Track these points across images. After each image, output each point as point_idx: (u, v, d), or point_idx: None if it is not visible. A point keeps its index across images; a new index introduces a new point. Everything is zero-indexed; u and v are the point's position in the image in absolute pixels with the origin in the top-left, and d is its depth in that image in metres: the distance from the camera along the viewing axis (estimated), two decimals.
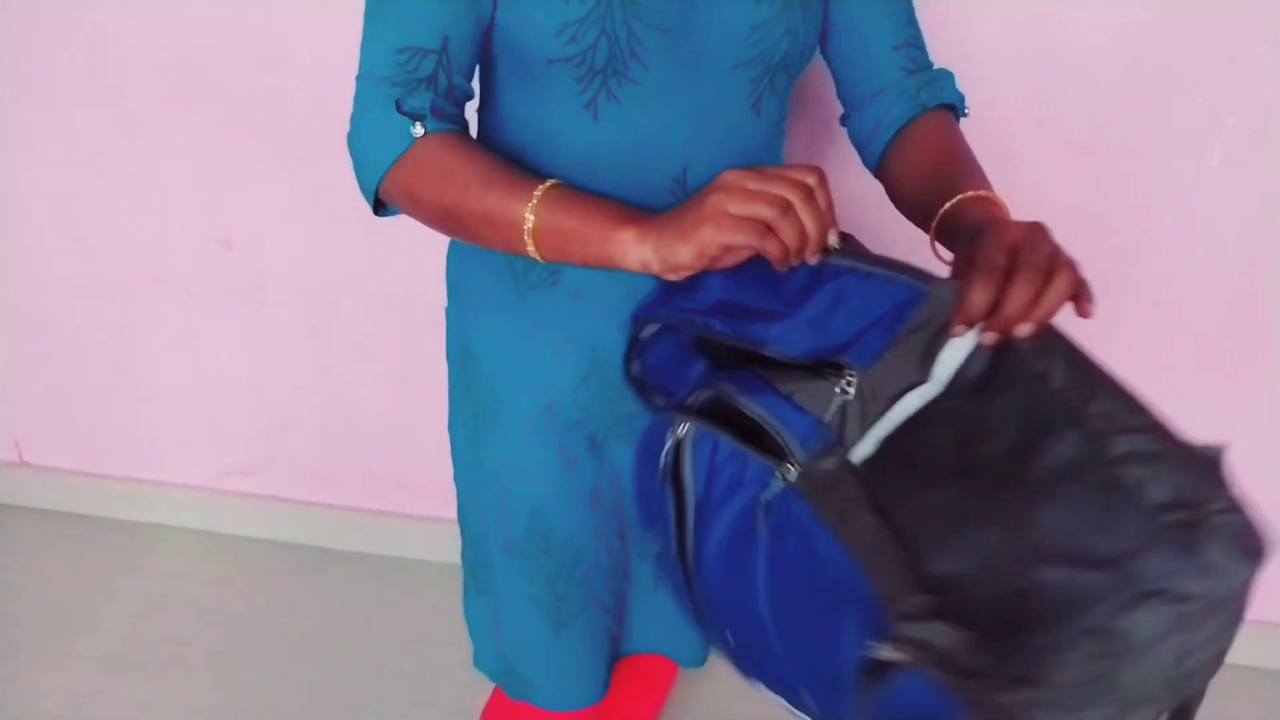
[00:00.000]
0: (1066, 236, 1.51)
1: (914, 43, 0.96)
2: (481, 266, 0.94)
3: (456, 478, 1.09)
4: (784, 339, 0.72)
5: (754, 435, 0.72)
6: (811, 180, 0.69)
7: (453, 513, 1.15)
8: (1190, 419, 1.61)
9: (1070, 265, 0.67)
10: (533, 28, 0.79)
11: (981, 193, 0.82)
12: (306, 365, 1.75)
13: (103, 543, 1.89)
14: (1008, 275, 0.65)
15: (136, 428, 1.87)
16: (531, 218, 0.76)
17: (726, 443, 0.73)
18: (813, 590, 0.68)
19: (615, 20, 0.78)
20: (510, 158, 0.85)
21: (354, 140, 0.83)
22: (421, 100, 0.79)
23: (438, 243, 1.00)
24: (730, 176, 0.70)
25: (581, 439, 0.97)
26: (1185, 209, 1.46)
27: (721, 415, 0.74)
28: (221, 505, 1.91)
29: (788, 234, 0.69)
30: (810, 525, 0.67)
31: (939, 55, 1.04)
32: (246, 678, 1.62)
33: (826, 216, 0.70)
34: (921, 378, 0.67)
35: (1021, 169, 1.45)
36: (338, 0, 0.80)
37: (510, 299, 0.92)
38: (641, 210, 0.77)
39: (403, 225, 1.56)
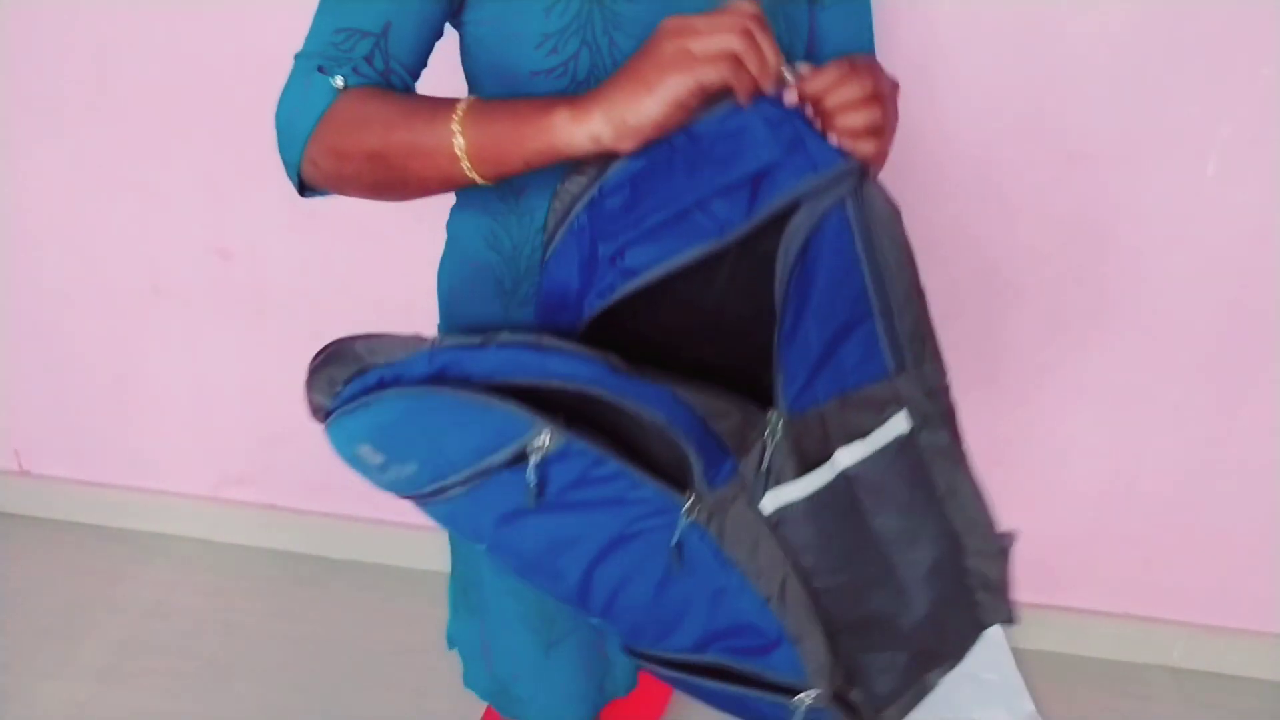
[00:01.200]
0: (1063, 244, 1.53)
1: (869, 54, 0.98)
2: (471, 282, 0.94)
3: None
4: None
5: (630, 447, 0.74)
6: (750, 7, 0.67)
7: None
8: (1189, 428, 1.63)
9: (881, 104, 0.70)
10: (514, 39, 0.79)
11: None
12: (303, 373, 1.74)
13: (101, 552, 1.89)
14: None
15: (135, 437, 1.88)
16: (460, 135, 0.72)
17: (613, 463, 0.74)
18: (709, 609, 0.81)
19: (595, 30, 0.78)
20: None
21: (279, 113, 0.81)
22: (346, 68, 0.77)
23: (434, 251, 1.00)
24: (674, 21, 0.67)
25: None
26: (1181, 217, 1.46)
27: (589, 416, 0.73)
28: (219, 514, 1.91)
29: (755, 62, 0.66)
30: (719, 563, 0.79)
31: (937, 66, 1.05)
32: (244, 687, 1.62)
33: (774, 43, 0.68)
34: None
35: (1018, 177, 1.46)
36: None
37: (498, 314, 0.92)
38: (572, 95, 0.73)
39: (401, 235, 1.57)
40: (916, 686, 0.88)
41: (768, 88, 0.69)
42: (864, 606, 0.83)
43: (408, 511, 1.86)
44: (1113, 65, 1.38)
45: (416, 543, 1.86)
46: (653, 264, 0.73)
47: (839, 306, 0.75)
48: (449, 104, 0.74)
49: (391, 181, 0.77)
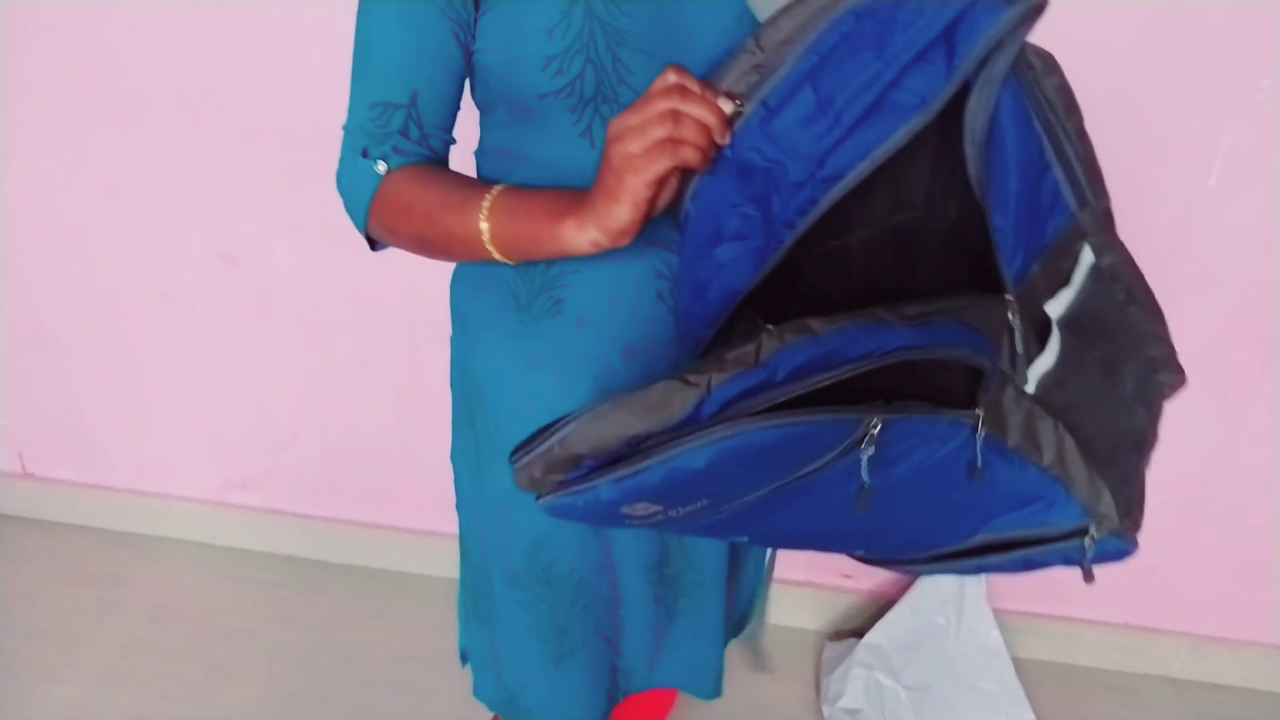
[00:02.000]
0: None
1: None
2: (485, 296, 0.94)
3: (459, 506, 1.09)
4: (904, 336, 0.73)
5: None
6: (672, 79, 0.70)
7: (453, 527, 1.15)
8: (1190, 438, 1.63)
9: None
10: (520, 64, 0.80)
11: None
12: (308, 380, 1.76)
13: (103, 555, 1.89)
14: None
15: (139, 440, 1.88)
16: (487, 228, 0.79)
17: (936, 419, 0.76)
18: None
19: (599, 49, 0.79)
20: None
21: (340, 186, 0.88)
22: (386, 146, 0.83)
23: (439, 262, 1.01)
24: (613, 126, 0.71)
25: None
26: (1183, 228, 1.47)
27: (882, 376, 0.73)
28: (222, 518, 1.92)
29: (691, 133, 0.70)
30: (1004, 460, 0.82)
31: None
32: (246, 691, 1.63)
33: (706, 97, 0.70)
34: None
35: None
36: (341, 21, 0.83)
37: (513, 328, 0.92)
38: (575, 193, 0.77)
39: None
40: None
41: (720, 141, 0.72)
42: (1113, 430, 0.87)
43: (411, 516, 1.89)
44: (1114, 77, 1.39)
45: (420, 548, 1.87)
46: (856, 161, 0.69)
47: (1028, 173, 0.76)
48: (477, 197, 0.80)
49: (436, 255, 0.86)
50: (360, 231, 0.89)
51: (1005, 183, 0.75)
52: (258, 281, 1.68)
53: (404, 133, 0.83)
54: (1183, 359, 1.54)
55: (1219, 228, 1.46)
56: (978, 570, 0.92)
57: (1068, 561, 0.92)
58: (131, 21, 1.51)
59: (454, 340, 1.02)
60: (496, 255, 0.80)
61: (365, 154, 0.83)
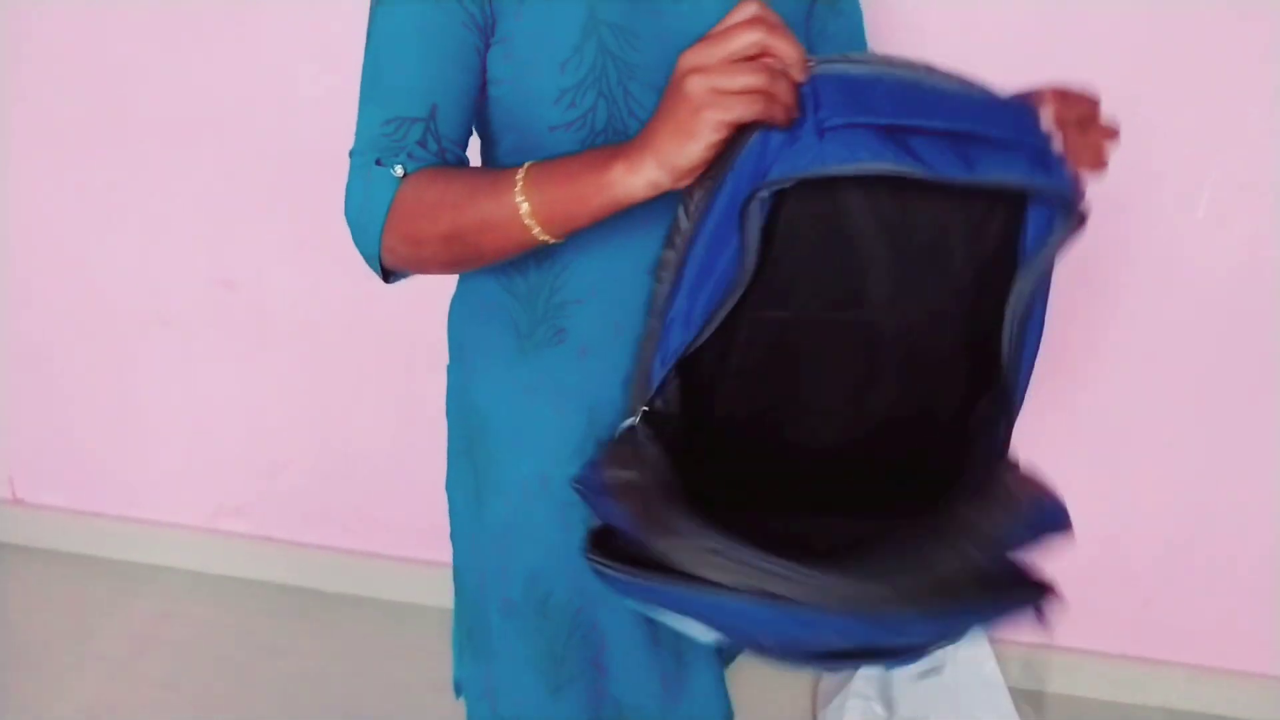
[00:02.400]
0: (1057, 285, 1.54)
1: None
2: (485, 324, 0.94)
3: (454, 537, 1.08)
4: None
5: None
6: (752, 10, 0.66)
7: (447, 556, 1.14)
8: (1184, 466, 1.63)
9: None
10: (532, 97, 0.81)
11: None
12: (303, 405, 1.75)
13: (92, 583, 1.87)
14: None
15: (132, 466, 1.87)
16: (525, 203, 0.74)
17: None
18: None
19: (611, 82, 0.80)
20: None
21: (348, 212, 0.83)
22: (401, 155, 0.80)
23: (438, 285, 1.01)
24: (693, 57, 0.67)
25: (577, 517, 0.94)
26: (1173, 259, 1.49)
27: None
28: (213, 545, 1.90)
29: (784, 90, 0.66)
30: None
31: None
32: None
33: (791, 34, 0.67)
34: None
35: None
36: (342, 44, 0.84)
37: (514, 357, 0.92)
38: (612, 145, 0.74)
39: None
40: None
41: (799, 78, 0.68)
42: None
43: (405, 545, 1.87)
44: (1106, 103, 1.41)
45: (413, 577, 1.85)
46: (855, 157, 0.66)
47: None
48: (508, 175, 0.76)
49: (470, 257, 0.80)
50: (373, 256, 0.84)
51: (1028, 358, 0.78)
52: (255, 306, 1.69)
53: (421, 143, 0.80)
54: (1174, 389, 1.56)
55: (1208, 259, 1.48)
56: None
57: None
58: (134, 47, 1.53)
59: (451, 369, 1.01)
60: (537, 231, 0.75)
61: (379, 164, 0.79)
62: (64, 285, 1.73)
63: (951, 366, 0.82)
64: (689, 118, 0.67)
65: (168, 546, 1.91)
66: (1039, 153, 0.70)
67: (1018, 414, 0.82)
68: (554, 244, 0.77)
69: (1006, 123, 0.70)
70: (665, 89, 0.70)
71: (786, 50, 0.66)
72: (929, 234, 0.76)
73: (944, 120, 0.68)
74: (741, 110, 0.66)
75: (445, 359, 1.02)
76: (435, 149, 0.81)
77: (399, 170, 0.79)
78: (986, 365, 0.79)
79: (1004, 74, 1.41)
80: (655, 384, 0.77)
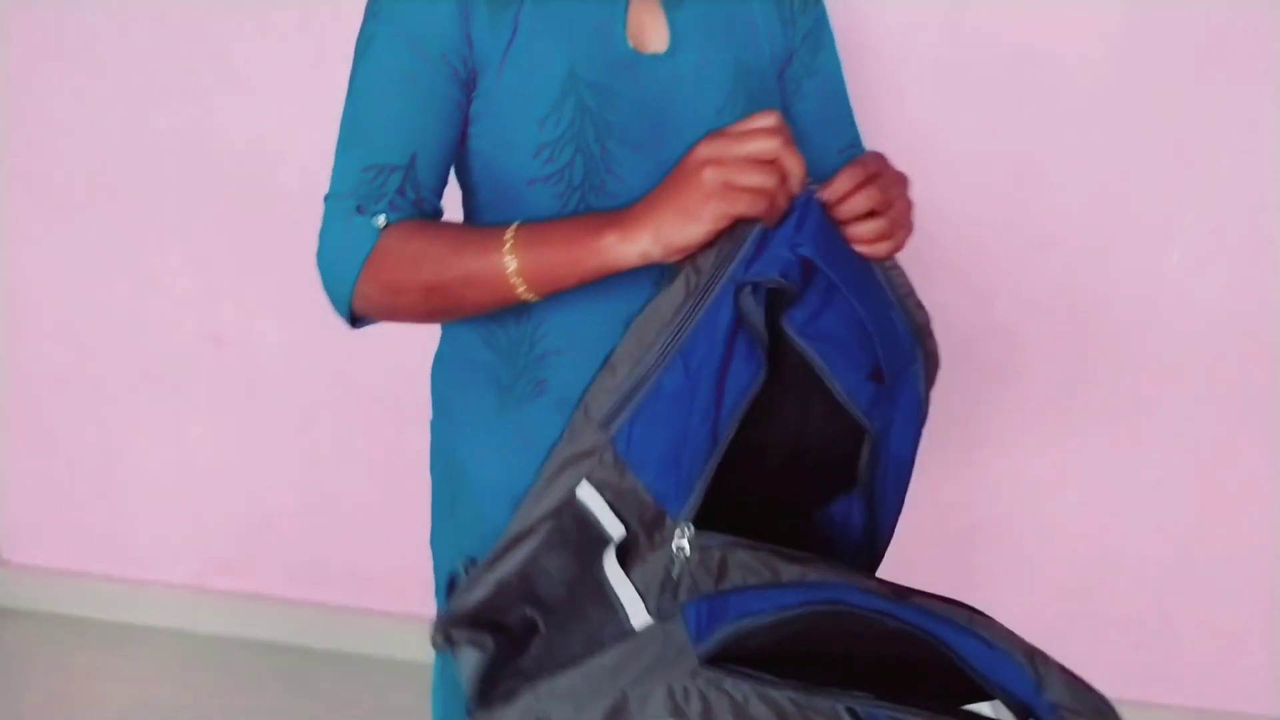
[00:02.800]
0: (1038, 329, 1.57)
1: (855, 143, 1.03)
2: (467, 380, 0.95)
3: (438, 592, 1.08)
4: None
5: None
6: (773, 121, 0.71)
7: (434, 610, 1.14)
8: (1171, 507, 1.64)
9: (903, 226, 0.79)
10: (511, 150, 0.83)
11: None
12: (292, 460, 1.75)
13: (80, 645, 1.85)
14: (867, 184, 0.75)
15: (119, 524, 1.86)
16: (514, 261, 0.76)
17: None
18: None
19: (589, 139, 0.83)
20: None
21: (321, 256, 0.85)
22: (383, 203, 0.81)
23: (425, 339, 1.02)
24: (711, 149, 0.71)
25: None
26: (1150, 303, 1.52)
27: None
28: (202, 604, 1.88)
29: (784, 198, 0.71)
30: None
31: (914, 159, 1.10)
32: None
33: (800, 167, 0.71)
34: None
35: (994, 264, 1.51)
36: (331, 102, 0.87)
37: (495, 412, 0.93)
38: (602, 213, 0.78)
39: (394, 324, 1.60)
40: None
41: (796, 190, 0.73)
42: None
43: (395, 600, 1.86)
44: (1081, 158, 1.45)
45: (403, 633, 1.84)
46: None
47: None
48: (498, 233, 0.78)
49: (447, 308, 0.82)
50: (343, 300, 0.85)
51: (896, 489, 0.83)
52: (245, 362, 1.69)
53: (401, 192, 0.82)
54: (1157, 431, 1.58)
55: (1185, 303, 1.51)
56: None
57: None
58: (126, 106, 1.55)
59: (434, 424, 1.02)
60: (522, 289, 0.77)
61: (359, 210, 0.81)
62: (53, 344, 1.73)
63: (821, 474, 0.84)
64: (698, 203, 0.71)
65: (156, 606, 1.89)
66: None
67: (887, 534, 0.84)
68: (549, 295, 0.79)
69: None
70: (673, 170, 0.74)
71: (795, 165, 0.71)
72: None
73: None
74: (746, 207, 0.70)
75: (431, 413, 1.03)
76: (414, 198, 0.83)
77: (381, 220, 0.81)
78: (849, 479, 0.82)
79: (979, 124, 1.46)
80: (695, 494, 0.74)
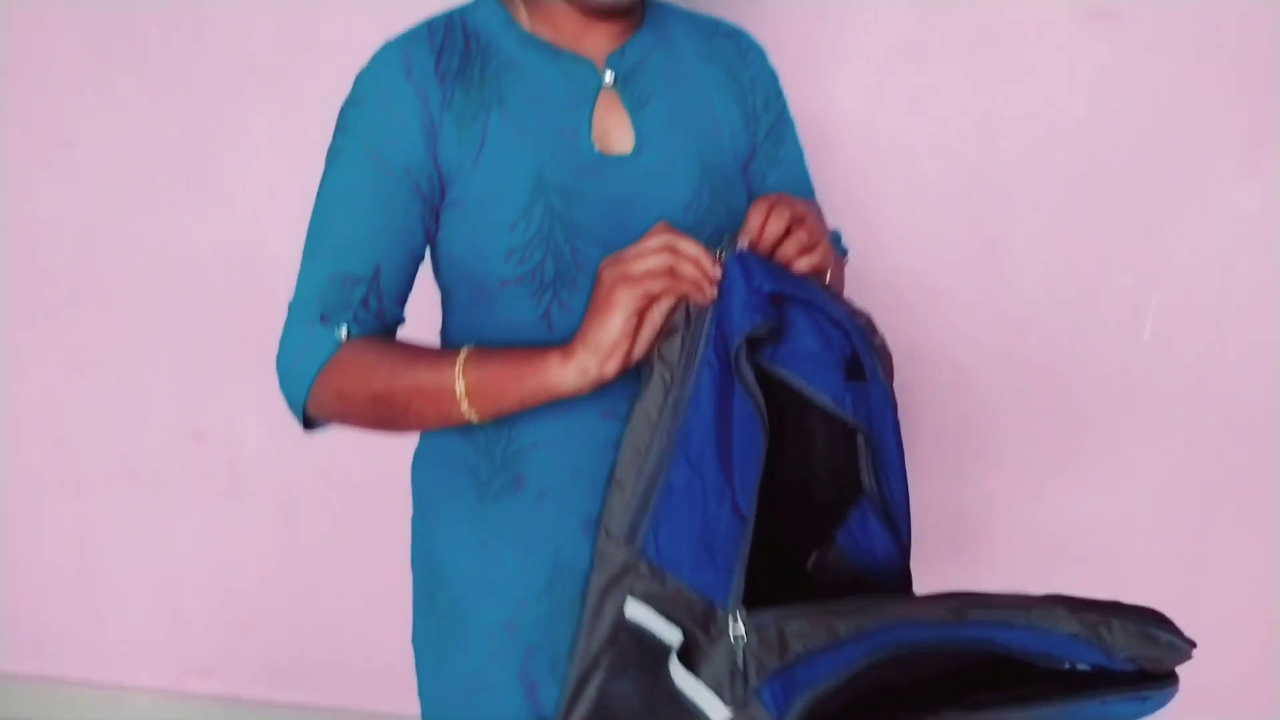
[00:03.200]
0: (1018, 410, 1.59)
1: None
2: (445, 475, 0.96)
3: (420, 692, 1.06)
4: None
5: None
6: (665, 234, 0.75)
7: (417, 708, 1.12)
8: (1153, 586, 1.63)
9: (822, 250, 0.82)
10: (483, 254, 0.86)
11: None
12: (274, 558, 1.73)
13: None
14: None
15: (96, 627, 1.82)
16: (461, 380, 0.80)
17: None
18: None
19: (558, 240, 0.86)
20: None
21: (281, 358, 0.88)
22: (346, 316, 0.85)
23: (408, 437, 1.03)
24: (608, 258, 0.76)
25: (544, 663, 0.94)
26: (1125, 379, 1.54)
27: None
28: (180, 710, 1.83)
29: (688, 268, 0.75)
30: None
31: (890, 245, 1.15)
32: None
33: (696, 247, 0.75)
34: None
35: (970, 347, 1.53)
36: (311, 202, 0.91)
37: (474, 506, 0.93)
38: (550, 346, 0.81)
39: None
40: None
41: (709, 290, 0.76)
42: None
43: (380, 698, 1.82)
44: (1049, 240, 1.49)
45: None
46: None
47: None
48: (449, 355, 0.82)
49: (393, 418, 0.85)
50: (298, 404, 0.87)
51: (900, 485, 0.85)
52: (226, 458, 1.69)
53: (364, 304, 0.85)
54: (1141, 509, 1.59)
55: (1158, 378, 1.53)
56: None
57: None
58: (111, 204, 1.58)
59: (415, 521, 1.02)
60: (465, 407, 0.80)
61: (323, 319, 0.84)
62: (31, 442, 1.72)
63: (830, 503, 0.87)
64: (604, 299, 0.75)
65: (133, 712, 1.84)
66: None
67: (906, 534, 0.86)
68: (489, 419, 0.82)
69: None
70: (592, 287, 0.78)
71: (689, 248, 0.75)
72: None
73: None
74: (649, 284, 0.74)
75: (412, 509, 1.03)
76: (376, 309, 0.86)
77: (343, 333, 0.85)
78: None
79: (948, 207, 1.50)
80: (736, 577, 0.75)
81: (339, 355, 0.84)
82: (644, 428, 0.79)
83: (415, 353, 0.84)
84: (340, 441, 1.62)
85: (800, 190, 1.04)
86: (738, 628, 0.73)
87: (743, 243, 0.78)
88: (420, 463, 1.01)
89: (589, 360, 0.76)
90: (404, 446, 1.05)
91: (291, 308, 0.87)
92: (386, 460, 1.59)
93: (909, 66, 1.43)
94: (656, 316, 0.77)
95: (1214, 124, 1.43)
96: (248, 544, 1.73)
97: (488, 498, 0.92)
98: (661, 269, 0.74)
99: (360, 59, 0.88)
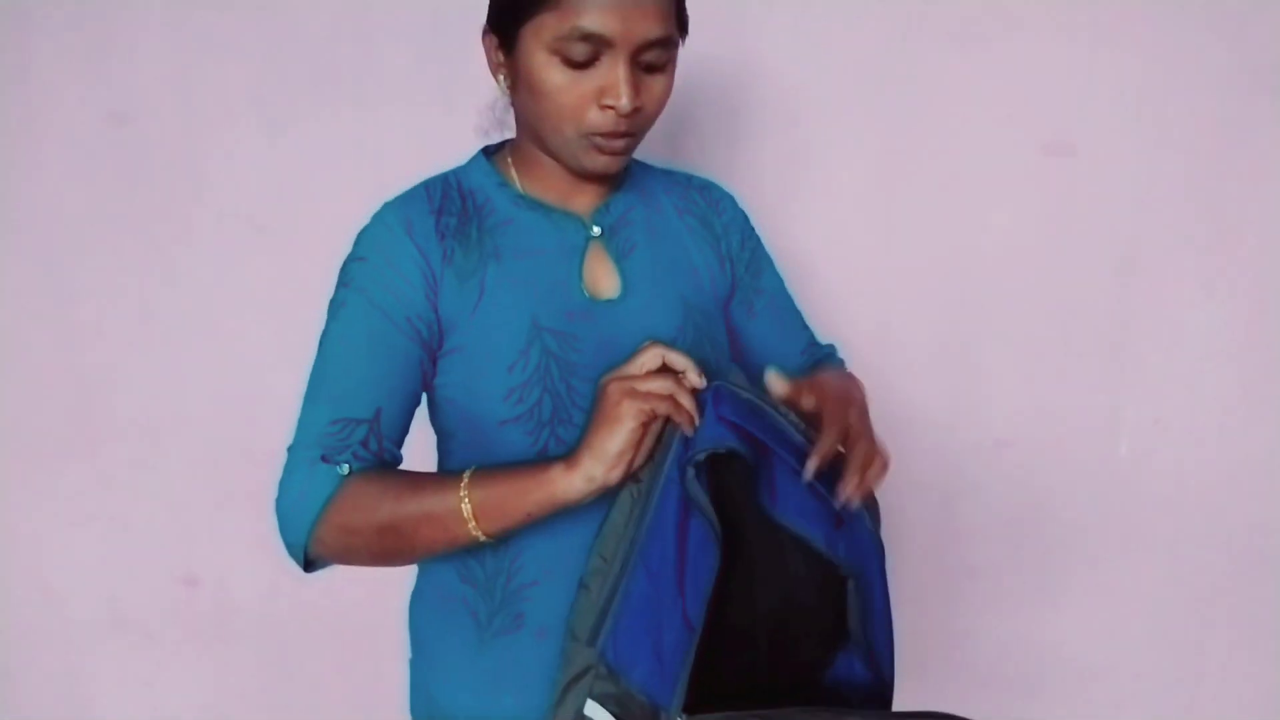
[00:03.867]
0: (1000, 528, 1.61)
1: (812, 341, 1.14)
2: (445, 617, 0.97)
3: None
4: None
5: None
6: (651, 353, 0.82)
7: None
8: (1152, 697, 1.63)
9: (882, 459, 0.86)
10: (482, 396, 0.90)
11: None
12: (266, 705, 1.70)
13: None
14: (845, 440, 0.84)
15: None
16: (467, 499, 0.83)
17: None
18: None
19: (554, 379, 0.90)
20: None
21: (281, 501, 0.89)
22: (347, 455, 0.88)
23: (401, 575, 1.03)
24: (613, 373, 0.83)
25: None
26: (1104, 494, 1.57)
27: None
28: None
29: (687, 399, 0.81)
30: None
31: (870, 368, 1.18)
32: None
33: (686, 361, 0.82)
34: None
35: (951, 464, 1.56)
36: (307, 349, 0.92)
37: (473, 647, 0.95)
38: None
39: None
40: None
41: (695, 417, 0.82)
42: None
43: None
44: (1023, 361, 1.54)
45: None
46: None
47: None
48: (454, 478, 0.85)
49: (400, 549, 0.87)
50: (299, 545, 0.89)
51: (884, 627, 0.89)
52: (219, 604, 1.67)
53: (365, 444, 0.88)
54: (1124, 618, 1.60)
55: (1138, 492, 1.57)
56: None
57: None
58: (104, 351, 1.59)
59: (413, 664, 1.03)
60: (472, 526, 0.83)
61: (324, 459, 0.87)
62: (23, 593, 1.69)
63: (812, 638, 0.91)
64: (612, 410, 0.80)
65: None
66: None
67: (890, 677, 0.90)
68: (497, 538, 0.85)
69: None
70: (593, 402, 0.83)
71: (681, 360, 0.82)
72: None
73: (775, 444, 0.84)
74: (654, 404, 0.80)
75: (409, 652, 1.03)
76: (376, 449, 0.89)
77: (345, 469, 0.87)
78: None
79: (923, 329, 1.54)
80: (679, 683, 0.81)
81: (342, 491, 0.86)
82: (611, 537, 0.84)
83: (418, 479, 0.87)
84: (333, 585, 1.63)
85: (785, 312, 1.12)
86: None
87: (811, 466, 0.82)
88: (418, 604, 1.02)
89: (595, 468, 0.80)
90: (398, 590, 1.05)
91: (291, 451, 0.90)
92: (382, 605, 1.58)
93: (879, 199, 1.50)
94: (656, 429, 0.82)
95: (1170, 247, 1.50)
96: (240, 691, 1.69)
97: (488, 637, 0.94)
98: (665, 393, 0.80)
99: (351, 211, 0.94)
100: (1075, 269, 1.51)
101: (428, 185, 0.94)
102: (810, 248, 1.49)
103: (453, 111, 1.34)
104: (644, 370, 0.82)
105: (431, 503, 0.84)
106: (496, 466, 0.86)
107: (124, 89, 1.50)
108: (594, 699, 0.82)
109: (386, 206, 0.92)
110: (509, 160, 0.96)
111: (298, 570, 1.61)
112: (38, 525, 1.67)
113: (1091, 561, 1.59)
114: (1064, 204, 1.49)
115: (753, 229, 1.10)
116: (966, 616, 1.62)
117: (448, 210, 0.92)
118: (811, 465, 0.81)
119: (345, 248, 0.92)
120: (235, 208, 1.53)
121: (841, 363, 1.15)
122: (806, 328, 1.14)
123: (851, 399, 0.90)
